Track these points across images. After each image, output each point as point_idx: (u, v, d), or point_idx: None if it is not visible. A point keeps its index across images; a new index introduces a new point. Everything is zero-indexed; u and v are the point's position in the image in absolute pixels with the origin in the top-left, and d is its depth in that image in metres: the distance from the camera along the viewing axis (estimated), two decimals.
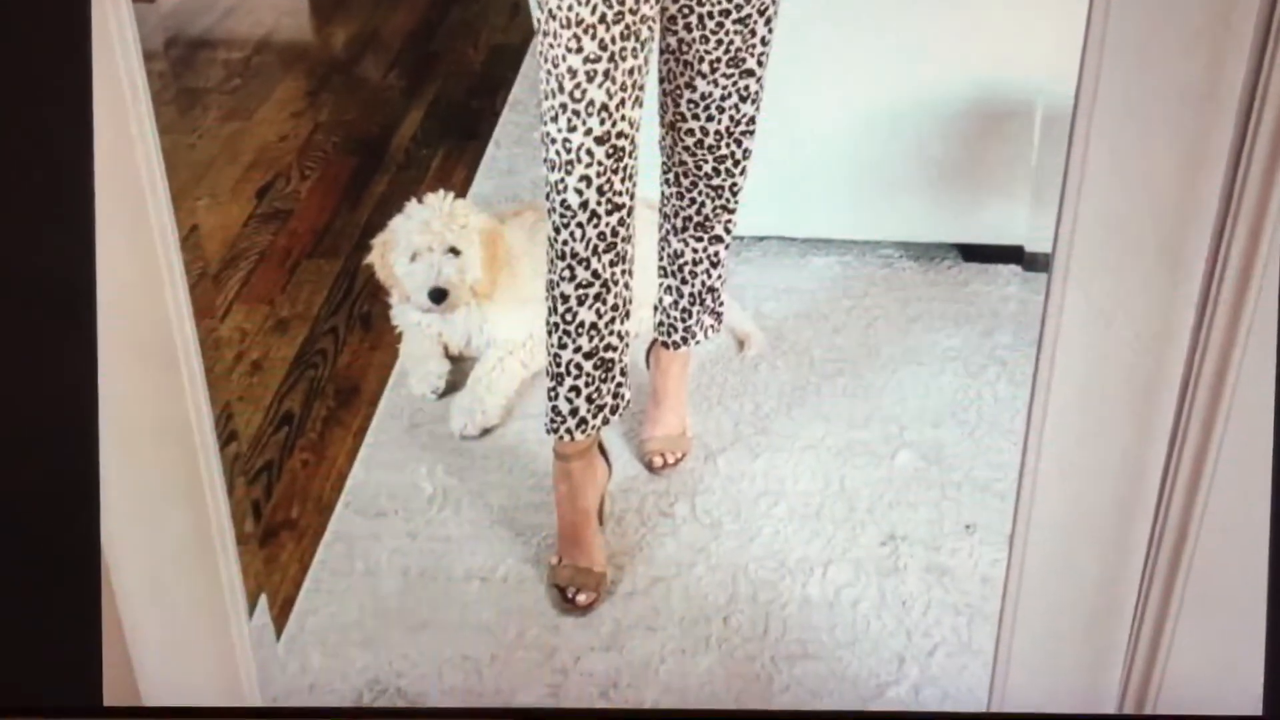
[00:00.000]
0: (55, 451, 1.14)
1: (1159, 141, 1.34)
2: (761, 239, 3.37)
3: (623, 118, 2.21)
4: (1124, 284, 1.42)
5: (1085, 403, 1.50)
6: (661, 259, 2.67)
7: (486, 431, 2.82)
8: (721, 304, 2.74)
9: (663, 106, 2.44)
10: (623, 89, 2.19)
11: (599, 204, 2.22)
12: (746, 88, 2.36)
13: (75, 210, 1.09)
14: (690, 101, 2.38)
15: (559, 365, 2.36)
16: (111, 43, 1.39)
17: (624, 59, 2.17)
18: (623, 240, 2.29)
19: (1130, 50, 1.31)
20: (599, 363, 2.35)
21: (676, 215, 2.57)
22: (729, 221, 2.57)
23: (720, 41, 2.29)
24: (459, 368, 2.96)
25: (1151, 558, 1.57)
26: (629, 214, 2.29)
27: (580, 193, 2.21)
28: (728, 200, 2.52)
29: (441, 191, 2.84)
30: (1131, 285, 1.42)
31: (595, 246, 2.25)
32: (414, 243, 2.76)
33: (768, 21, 2.30)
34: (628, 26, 2.16)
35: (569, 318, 2.31)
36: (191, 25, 4.84)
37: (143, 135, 1.48)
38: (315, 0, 5.12)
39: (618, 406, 2.44)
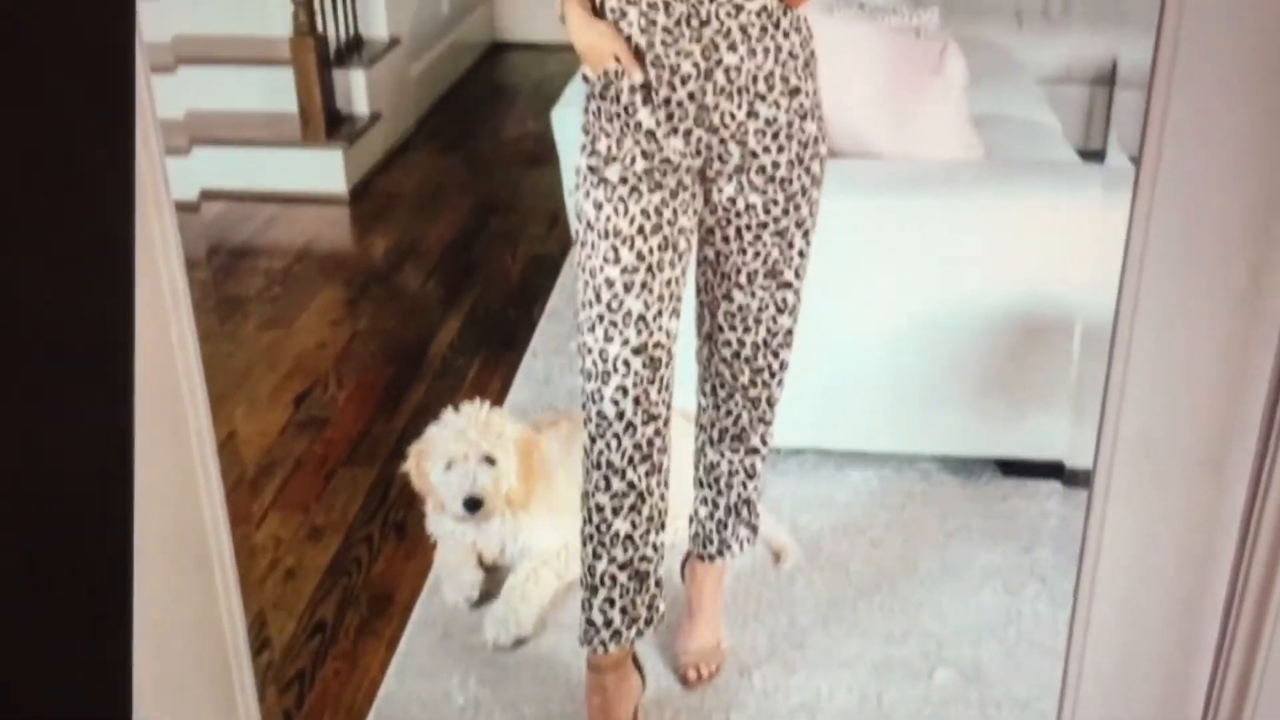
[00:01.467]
0: (87, 654, 1.12)
1: (1201, 356, 1.33)
2: (799, 451, 3.36)
3: (660, 328, 2.22)
4: (1166, 500, 1.40)
5: (1128, 621, 1.47)
6: (697, 470, 2.65)
7: (520, 642, 2.78)
8: (758, 516, 2.71)
9: (700, 318, 2.45)
10: (660, 300, 2.20)
11: (635, 414, 2.22)
12: (784, 300, 2.36)
13: (114, 417, 1.09)
14: (728, 313, 2.38)
15: (593, 576, 2.34)
16: (154, 251, 1.40)
17: (661, 270, 2.19)
18: (659, 451, 2.28)
19: (1171, 264, 1.30)
20: (633, 574, 2.33)
21: (713, 426, 2.56)
22: (766, 433, 2.56)
23: (758, 254, 2.30)
24: (493, 577, 2.94)
25: None
26: (665, 424, 2.29)
27: (617, 403, 2.22)
28: (765, 412, 2.51)
29: (478, 400, 2.85)
30: (1174, 501, 1.40)
31: (631, 457, 2.25)
32: (449, 451, 2.76)
33: (805, 234, 2.31)
34: (665, 238, 2.19)
35: (604, 528, 2.29)
36: (233, 234, 4.93)
37: (183, 343, 1.49)
38: (356, 210, 5.21)
39: (652, 619, 2.41)
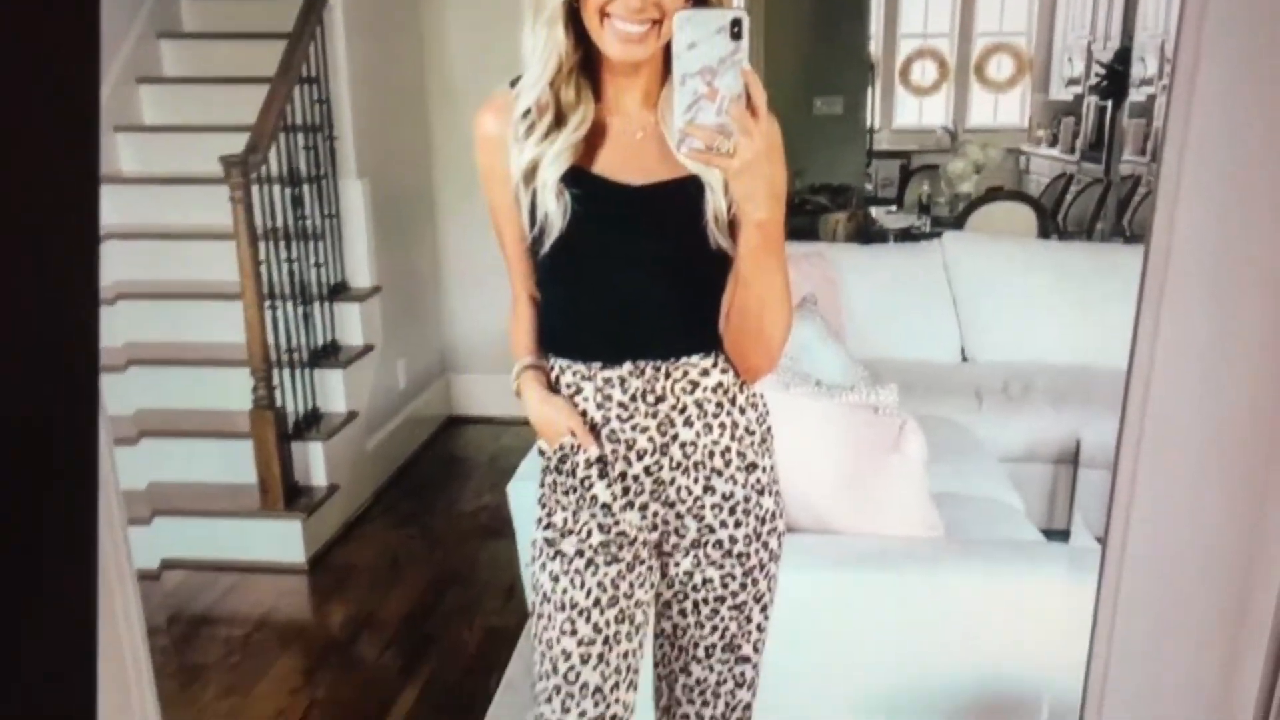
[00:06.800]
0: None
1: None
2: None
3: (617, 700, 2.21)
4: None
5: None
6: None
7: None
8: None
9: (657, 691, 2.42)
10: (617, 672, 2.20)
11: None
12: (742, 674, 2.34)
13: None
14: (685, 686, 2.36)
15: None
16: (116, 620, 1.40)
17: (618, 642, 2.20)
18: None
19: (1141, 643, 1.29)
20: None
21: None
22: None
23: (716, 627, 2.29)
24: None
25: None
26: None
27: None
28: None
29: None
30: None
31: None
32: None
33: (764, 609, 2.31)
34: (622, 610, 2.19)
35: None
36: (194, 602, 4.91)
37: (144, 710, 1.48)
38: (314, 580, 5.19)
39: None
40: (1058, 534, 4.85)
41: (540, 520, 2.25)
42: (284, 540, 5.28)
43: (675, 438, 2.14)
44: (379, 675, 4.33)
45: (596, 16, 1.93)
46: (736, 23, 1.79)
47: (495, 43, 6.27)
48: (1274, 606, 1.24)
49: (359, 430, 5.95)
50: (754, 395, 2.22)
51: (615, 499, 2.17)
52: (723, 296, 2.08)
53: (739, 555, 2.24)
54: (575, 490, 2.19)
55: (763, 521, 2.24)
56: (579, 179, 2.04)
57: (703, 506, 2.20)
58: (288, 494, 5.30)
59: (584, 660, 2.18)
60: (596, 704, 2.19)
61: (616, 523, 2.18)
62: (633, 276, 2.09)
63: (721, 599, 2.27)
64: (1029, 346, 5.91)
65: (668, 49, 1.88)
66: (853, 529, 3.16)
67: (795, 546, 2.45)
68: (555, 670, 2.19)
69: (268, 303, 5.20)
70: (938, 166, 10.07)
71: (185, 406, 5.67)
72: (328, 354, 5.84)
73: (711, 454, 2.17)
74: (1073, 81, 13.31)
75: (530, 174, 2.05)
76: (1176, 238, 1.17)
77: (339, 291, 6.01)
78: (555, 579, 2.20)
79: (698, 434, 2.15)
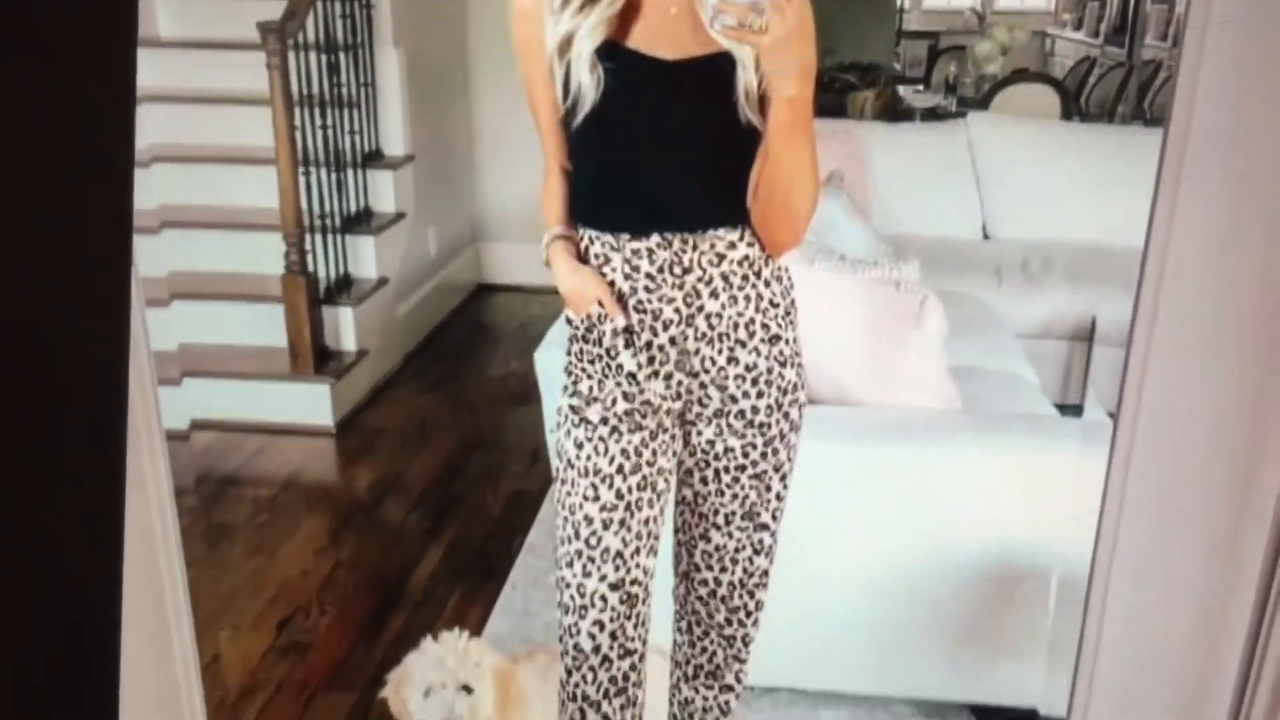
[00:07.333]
0: None
1: (1178, 609, 1.33)
2: (772, 690, 3.36)
3: (637, 565, 2.25)
4: None
5: None
6: (671, 706, 2.65)
7: None
8: None
9: (677, 556, 2.47)
10: (638, 537, 2.24)
11: (611, 649, 2.25)
12: (761, 541, 2.38)
13: (103, 640, 1.11)
14: (704, 553, 2.40)
15: None
16: (145, 478, 1.44)
17: (640, 508, 2.23)
18: (634, 685, 2.30)
19: (1148, 518, 1.32)
20: None
21: (688, 663, 2.57)
22: (740, 671, 2.56)
23: (735, 495, 2.32)
24: None
25: None
26: (640, 660, 2.31)
27: (593, 637, 2.24)
28: (740, 650, 2.52)
29: (456, 630, 2.86)
30: None
31: (607, 690, 2.26)
32: (428, 679, 2.76)
33: (783, 478, 2.34)
34: (644, 478, 2.23)
35: None
36: (222, 463, 4.98)
37: (170, 568, 1.52)
38: (341, 443, 5.27)
39: None
40: (1071, 409, 4.89)
41: (566, 387, 2.28)
42: (313, 403, 5.35)
43: (701, 309, 2.16)
44: (404, 537, 4.41)
45: None
46: None
47: None
48: (1279, 481, 1.27)
49: (389, 296, 6.00)
50: (779, 269, 2.23)
51: (640, 368, 2.20)
52: (751, 171, 2.09)
53: (760, 425, 2.26)
54: (601, 359, 2.22)
55: (784, 393, 2.26)
56: (613, 52, 2.05)
57: (726, 377, 2.22)
58: (317, 358, 5.36)
59: (606, 525, 2.22)
60: (617, 568, 2.24)
61: (641, 391, 2.21)
62: (663, 150, 2.10)
63: (742, 468, 2.30)
64: (1049, 225, 5.95)
65: None
66: (872, 401, 3.20)
67: (815, 418, 2.48)
68: (577, 535, 2.24)
69: (302, 169, 5.23)
70: (965, 47, 10.05)
71: (217, 270, 5.72)
72: (360, 220, 5.87)
73: (736, 325, 2.19)
74: None
75: (565, 46, 2.06)
76: (1195, 122, 1.18)
77: (372, 159, 6.03)
78: (579, 445, 2.23)
79: (723, 305, 2.16)
